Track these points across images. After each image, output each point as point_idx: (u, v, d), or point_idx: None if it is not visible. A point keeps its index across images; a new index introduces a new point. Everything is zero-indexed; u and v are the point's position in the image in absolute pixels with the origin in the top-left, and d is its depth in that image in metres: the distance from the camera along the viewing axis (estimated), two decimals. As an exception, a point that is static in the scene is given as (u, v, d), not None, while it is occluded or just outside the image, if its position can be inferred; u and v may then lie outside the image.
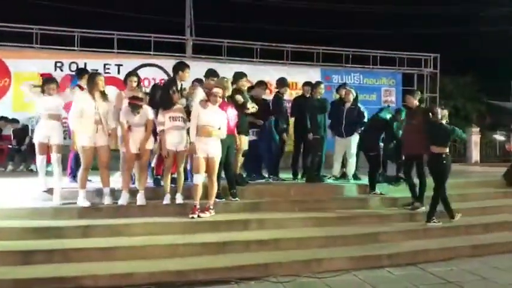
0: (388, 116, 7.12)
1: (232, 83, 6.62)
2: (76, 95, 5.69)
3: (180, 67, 6.21)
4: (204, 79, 6.44)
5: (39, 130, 5.73)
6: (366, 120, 7.41)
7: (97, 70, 9.17)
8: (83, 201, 5.45)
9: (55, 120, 5.73)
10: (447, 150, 5.97)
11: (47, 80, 6.04)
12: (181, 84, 6.15)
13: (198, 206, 5.46)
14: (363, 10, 19.25)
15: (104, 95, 5.57)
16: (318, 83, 7.67)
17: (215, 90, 5.60)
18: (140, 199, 5.57)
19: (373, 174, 6.94)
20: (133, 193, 5.63)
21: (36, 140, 5.73)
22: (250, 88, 7.29)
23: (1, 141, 9.22)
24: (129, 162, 5.61)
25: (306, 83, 7.95)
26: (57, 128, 5.73)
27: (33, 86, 5.98)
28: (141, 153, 5.58)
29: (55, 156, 5.64)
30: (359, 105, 7.48)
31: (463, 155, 15.22)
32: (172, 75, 6.38)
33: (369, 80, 12.12)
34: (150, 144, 5.70)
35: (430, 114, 6.06)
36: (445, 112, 6.11)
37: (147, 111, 5.63)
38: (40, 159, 5.75)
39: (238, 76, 6.58)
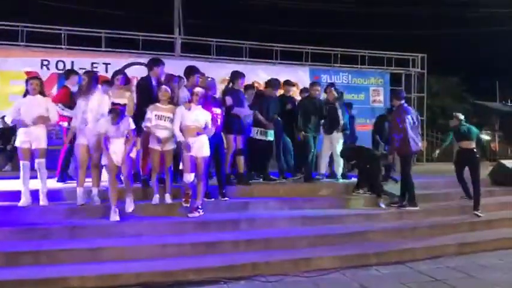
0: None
1: (230, 82, 6.64)
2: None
3: (154, 63, 6.18)
4: (185, 78, 6.42)
5: (19, 135, 5.32)
6: (343, 121, 7.34)
7: (85, 69, 9.12)
8: (81, 199, 5.41)
9: (38, 125, 5.32)
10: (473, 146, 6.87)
11: (30, 77, 5.75)
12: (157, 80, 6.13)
13: (200, 206, 5.50)
14: (351, 10, 19.37)
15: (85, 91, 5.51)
16: (313, 84, 7.67)
17: (196, 89, 5.60)
18: (128, 205, 5.33)
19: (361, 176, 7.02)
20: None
21: (16, 145, 5.36)
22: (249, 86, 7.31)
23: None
24: (114, 176, 5.26)
25: (286, 82, 7.90)
26: (40, 132, 5.34)
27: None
28: (122, 167, 5.25)
29: (38, 161, 5.35)
30: (337, 104, 7.42)
31: (450, 155, 15.38)
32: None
33: (357, 79, 12.19)
34: (133, 153, 5.46)
35: (454, 118, 7.17)
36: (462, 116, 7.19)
37: (128, 121, 5.30)
38: (22, 165, 5.30)
39: (236, 75, 6.57)
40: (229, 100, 6.31)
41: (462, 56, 21.61)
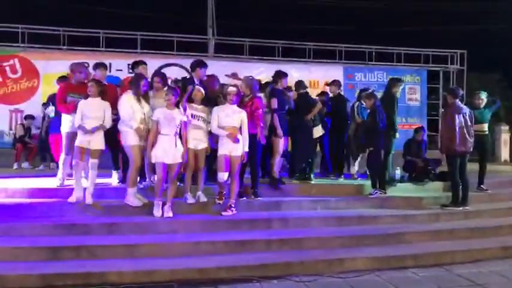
0: None
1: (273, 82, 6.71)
2: (123, 97, 5.57)
3: (197, 65, 6.26)
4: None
5: (79, 136, 5.45)
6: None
7: (121, 70, 9.47)
8: (132, 200, 5.50)
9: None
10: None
11: (90, 80, 5.86)
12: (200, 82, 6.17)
13: (233, 204, 5.55)
14: (387, 7, 18.96)
15: (146, 95, 5.63)
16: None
17: (230, 89, 5.62)
18: (167, 211, 5.37)
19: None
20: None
21: (76, 144, 5.47)
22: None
23: (30, 140, 9.50)
24: (161, 173, 5.34)
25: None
26: (98, 135, 5.48)
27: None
28: (172, 165, 5.33)
29: (92, 161, 5.48)
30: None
31: (492, 154, 14.78)
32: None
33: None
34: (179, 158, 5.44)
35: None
36: None
37: (181, 111, 5.46)
38: (75, 163, 5.50)
39: (279, 75, 6.64)
40: (274, 103, 6.39)
41: (504, 52, 20.65)
